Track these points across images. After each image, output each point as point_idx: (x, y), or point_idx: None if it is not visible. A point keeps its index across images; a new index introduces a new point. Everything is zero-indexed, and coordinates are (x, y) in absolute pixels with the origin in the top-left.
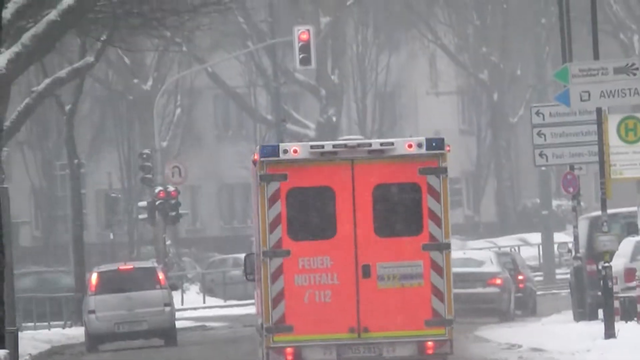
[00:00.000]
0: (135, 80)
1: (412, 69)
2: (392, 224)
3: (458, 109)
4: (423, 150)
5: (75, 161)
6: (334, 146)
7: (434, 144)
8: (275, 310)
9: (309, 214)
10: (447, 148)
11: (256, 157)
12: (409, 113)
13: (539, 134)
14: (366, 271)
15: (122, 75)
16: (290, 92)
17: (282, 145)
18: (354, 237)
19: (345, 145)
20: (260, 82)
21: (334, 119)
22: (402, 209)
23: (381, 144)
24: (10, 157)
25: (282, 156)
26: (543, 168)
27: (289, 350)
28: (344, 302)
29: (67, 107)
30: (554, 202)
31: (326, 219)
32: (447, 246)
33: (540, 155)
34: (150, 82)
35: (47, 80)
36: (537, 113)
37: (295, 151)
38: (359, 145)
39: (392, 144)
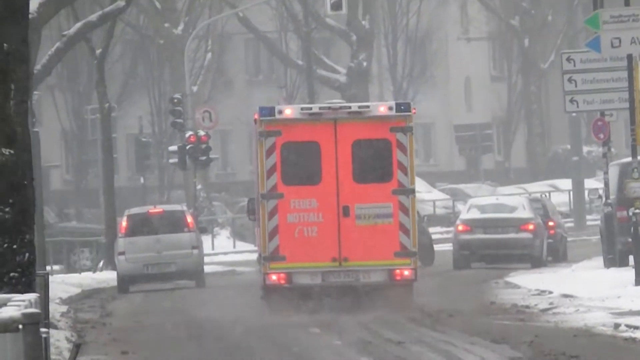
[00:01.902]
0: (166, 25)
1: (443, 15)
2: (367, 172)
3: (489, 54)
4: (393, 112)
5: (106, 105)
6: (320, 108)
7: (402, 107)
8: (271, 243)
9: (299, 163)
10: (413, 110)
11: (256, 116)
12: (439, 59)
13: (569, 80)
14: (346, 211)
15: (153, 19)
16: (320, 37)
17: (277, 107)
18: (336, 183)
19: (330, 108)
20: (291, 27)
21: (365, 64)
22: (376, 160)
23: (359, 107)
24: (41, 101)
25: (277, 116)
26: (573, 114)
27: (282, 275)
28: (328, 236)
29: (98, 51)
30: (585, 149)
31: (313, 168)
32: (412, 191)
33: (571, 101)
34: (181, 27)
35: (78, 24)
36: (568, 59)
37: (287, 112)
38: (340, 107)
39: (368, 107)
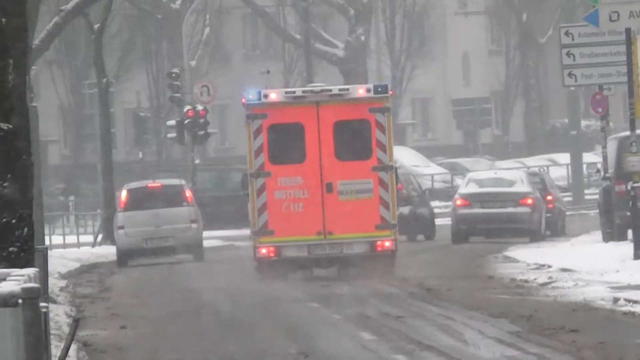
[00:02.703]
0: None
1: None
2: (348, 151)
3: (487, 29)
4: (372, 94)
5: (104, 80)
6: (303, 92)
7: (379, 89)
8: (260, 218)
9: (285, 143)
10: (391, 92)
11: (243, 100)
12: (437, 33)
13: (568, 54)
14: (329, 187)
15: None
16: (318, 12)
17: (263, 91)
18: (319, 161)
19: (312, 91)
20: (289, 2)
21: (363, 38)
22: (356, 139)
23: (339, 90)
24: (39, 76)
25: (263, 100)
26: (572, 88)
27: (271, 249)
28: (313, 211)
29: (96, 26)
30: (583, 122)
31: (298, 147)
32: (391, 167)
33: (569, 75)
34: (179, 1)
35: None
36: (566, 33)
37: (273, 96)
38: (322, 90)
39: (348, 89)
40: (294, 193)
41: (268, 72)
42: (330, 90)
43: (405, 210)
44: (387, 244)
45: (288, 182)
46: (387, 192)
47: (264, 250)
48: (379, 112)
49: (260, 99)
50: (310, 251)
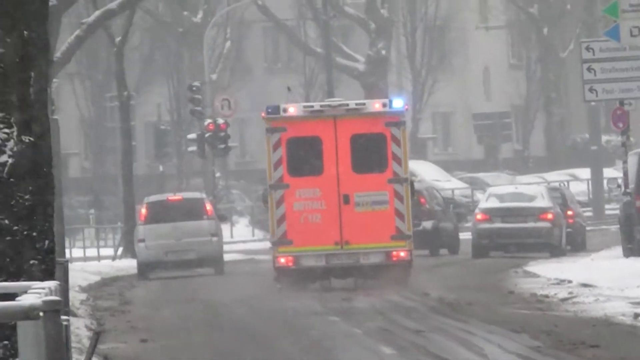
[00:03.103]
0: (185, 13)
1: (462, 3)
2: (365, 163)
3: (507, 43)
4: (387, 109)
5: (125, 93)
6: (321, 106)
7: (395, 104)
8: (279, 229)
9: (303, 156)
10: (406, 107)
11: (263, 114)
12: (458, 47)
13: (588, 69)
14: (346, 199)
15: (172, 7)
16: (339, 25)
17: (282, 106)
18: (337, 173)
19: (330, 105)
20: (309, 15)
21: (384, 52)
22: (372, 152)
23: (356, 104)
24: (60, 89)
25: (282, 114)
26: (593, 103)
27: (289, 258)
28: (330, 222)
29: (117, 39)
30: (604, 138)
31: (316, 160)
32: (406, 180)
33: (590, 90)
34: (200, 14)
35: (98, 12)
36: (587, 48)
37: (291, 110)
38: (339, 105)
39: (364, 104)
40: (312, 204)
41: (289, 89)
42: (348, 105)
43: (428, 224)
44: (402, 254)
45: (306, 193)
46: (403, 204)
47: (282, 260)
48: (394, 126)
49: (279, 113)
50: (328, 261)
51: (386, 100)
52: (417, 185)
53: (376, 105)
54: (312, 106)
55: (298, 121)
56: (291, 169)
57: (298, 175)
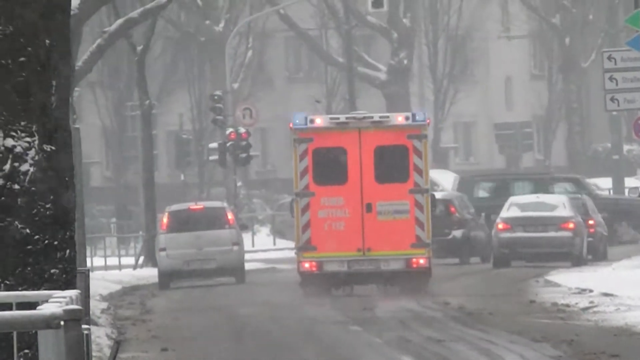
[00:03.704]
0: (207, 22)
1: (484, 13)
2: (387, 174)
3: (529, 53)
4: (410, 122)
5: (147, 102)
6: (346, 118)
7: (417, 117)
8: (304, 235)
9: (328, 166)
10: (428, 121)
11: (291, 125)
12: (480, 57)
13: (610, 78)
14: (369, 207)
15: (194, 16)
16: (361, 35)
17: (309, 117)
18: (360, 183)
19: (355, 118)
20: (331, 25)
21: (405, 62)
22: (395, 163)
23: (380, 117)
24: (82, 98)
25: (309, 125)
26: (614, 113)
27: (313, 263)
28: (353, 229)
29: (139, 48)
30: (625, 147)
31: (340, 170)
32: (427, 190)
33: (612, 100)
34: (222, 24)
35: (119, 21)
36: (609, 58)
37: (318, 121)
38: (364, 117)
39: (388, 117)
40: (336, 212)
41: (318, 102)
42: (372, 117)
43: (458, 233)
44: (421, 261)
45: (331, 201)
46: (423, 213)
47: (306, 265)
48: (416, 139)
49: (306, 124)
50: (350, 266)
51: (409, 114)
52: (447, 195)
53: (399, 119)
54: (337, 118)
55: (324, 132)
56: (317, 178)
57: (323, 184)
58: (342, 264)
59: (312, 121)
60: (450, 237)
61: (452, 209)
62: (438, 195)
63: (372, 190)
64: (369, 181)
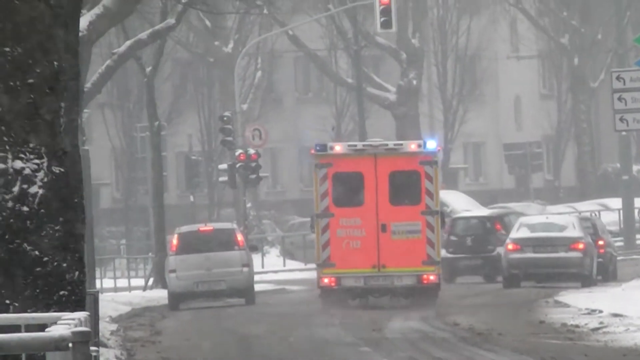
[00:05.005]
0: (216, 43)
1: (493, 33)
2: (401, 197)
3: (538, 73)
4: (422, 149)
5: (156, 123)
6: (363, 145)
7: (429, 146)
8: (324, 252)
9: (346, 189)
10: (439, 148)
11: (312, 151)
12: (489, 77)
13: (619, 98)
14: (384, 228)
15: (202, 37)
16: (370, 56)
17: (329, 144)
18: (376, 205)
19: (371, 145)
20: (340, 45)
21: (415, 82)
22: (408, 187)
23: (394, 144)
24: (91, 119)
25: (329, 151)
26: (623, 133)
27: (332, 279)
28: (369, 248)
29: (148, 69)
30: (635, 167)
31: (357, 193)
32: (437, 212)
33: (621, 120)
34: (231, 45)
35: (128, 42)
36: (618, 78)
37: (337, 148)
38: (380, 144)
39: (402, 144)
40: (354, 232)
41: (333, 128)
42: (387, 145)
43: (502, 250)
44: (431, 277)
45: (349, 222)
46: (433, 233)
47: (326, 280)
48: (427, 165)
49: (326, 151)
50: (366, 282)
51: (421, 142)
52: (494, 212)
53: (412, 146)
54: (355, 145)
55: (343, 158)
56: (336, 200)
57: (342, 205)
58: (358, 279)
59: (331, 148)
60: (494, 253)
61: (498, 226)
62: (485, 212)
63: (387, 212)
64: (384, 203)
